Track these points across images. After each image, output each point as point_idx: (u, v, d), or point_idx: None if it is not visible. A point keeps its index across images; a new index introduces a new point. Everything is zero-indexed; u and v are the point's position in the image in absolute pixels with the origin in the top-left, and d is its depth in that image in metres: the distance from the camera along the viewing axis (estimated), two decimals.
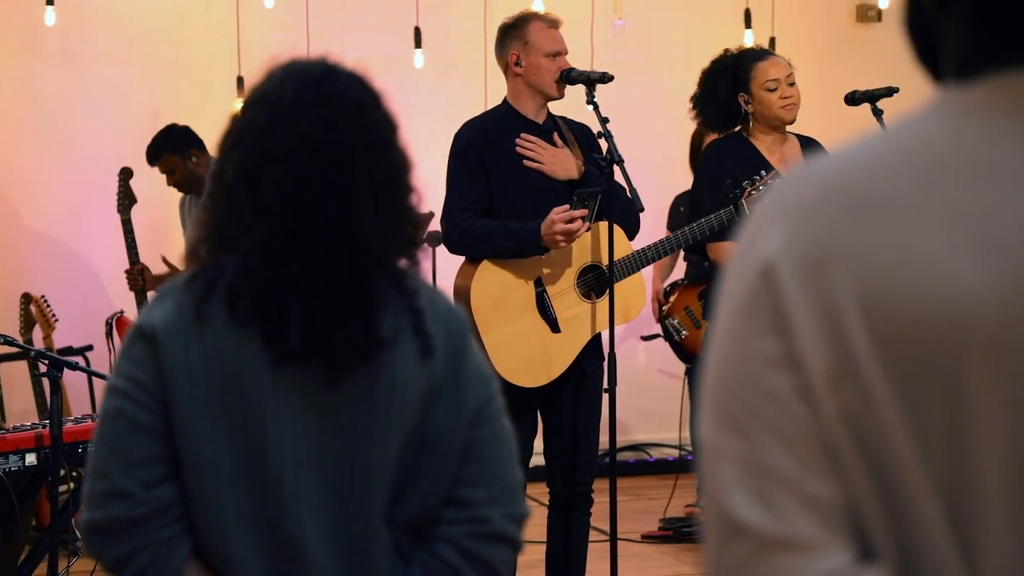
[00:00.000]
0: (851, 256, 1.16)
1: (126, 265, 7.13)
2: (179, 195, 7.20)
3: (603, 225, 4.78)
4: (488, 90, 7.64)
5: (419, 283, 2.24)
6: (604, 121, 4.74)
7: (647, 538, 6.85)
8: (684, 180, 7.61)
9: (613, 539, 4.92)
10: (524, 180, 4.77)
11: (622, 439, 7.25)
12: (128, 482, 2.11)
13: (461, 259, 4.90)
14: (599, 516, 5.05)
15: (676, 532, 6.84)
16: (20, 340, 6.12)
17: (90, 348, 7.15)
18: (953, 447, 1.16)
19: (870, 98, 5.27)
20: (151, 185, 7.17)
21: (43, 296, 7.03)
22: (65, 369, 4.56)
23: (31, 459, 4.51)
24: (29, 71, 7.82)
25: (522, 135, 4.82)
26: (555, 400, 4.83)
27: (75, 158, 7.80)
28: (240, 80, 7.72)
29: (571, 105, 5.01)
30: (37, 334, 7.01)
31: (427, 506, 2.21)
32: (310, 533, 2.15)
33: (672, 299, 7.07)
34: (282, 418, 2.14)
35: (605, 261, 4.78)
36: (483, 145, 4.80)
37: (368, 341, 2.15)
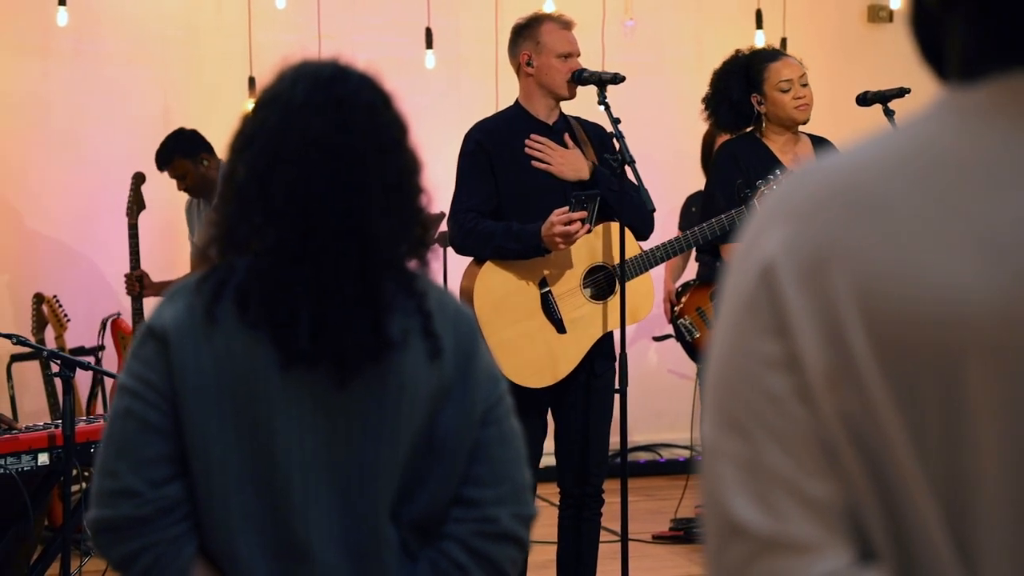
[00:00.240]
0: (850, 256, 1.16)
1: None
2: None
3: (613, 225, 4.78)
4: (499, 91, 7.65)
5: (429, 285, 2.24)
6: (615, 122, 4.74)
7: (658, 538, 6.85)
8: (695, 180, 7.61)
9: (624, 539, 4.92)
10: (532, 181, 4.77)
11: (633, 439, 7.24)
12: (136, 481, 2.13)
13: (469, 259, 4.90)
14: (610, 516, 5.05)
15: (687, 532, 6.84)
16: (32, 340, 6.14)
17: (102, 348, 7.17)
18: (951, 447, 1.16)
19: (882, 99, 5.27)
20: (162, 187, 7.17)
21: (55, 296, 7.05)
22: (77, 369, 4.57)
23: (44, 459, 4.52)
24: (41, 71, 7.83)
25: (531, 136, 4.82)
26: (566, 400, 4.83)
27: (86, 158, 7.81)
28: (252, 80, 7.74)
29: (583, 106, 5.01)
30: (49, 334, 7.02)
31: (435, 506, 2.21)
32: (317, 534, 2.16)
33: (684, 300, 7.05)
34: (291, 419, 2.14)
35: (613, 261, 4.78)
36: (492, 146, 4.80)
37: (377, 343, 2.15)
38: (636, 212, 4.78)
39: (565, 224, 4.59)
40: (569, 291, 4.81)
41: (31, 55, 7.81)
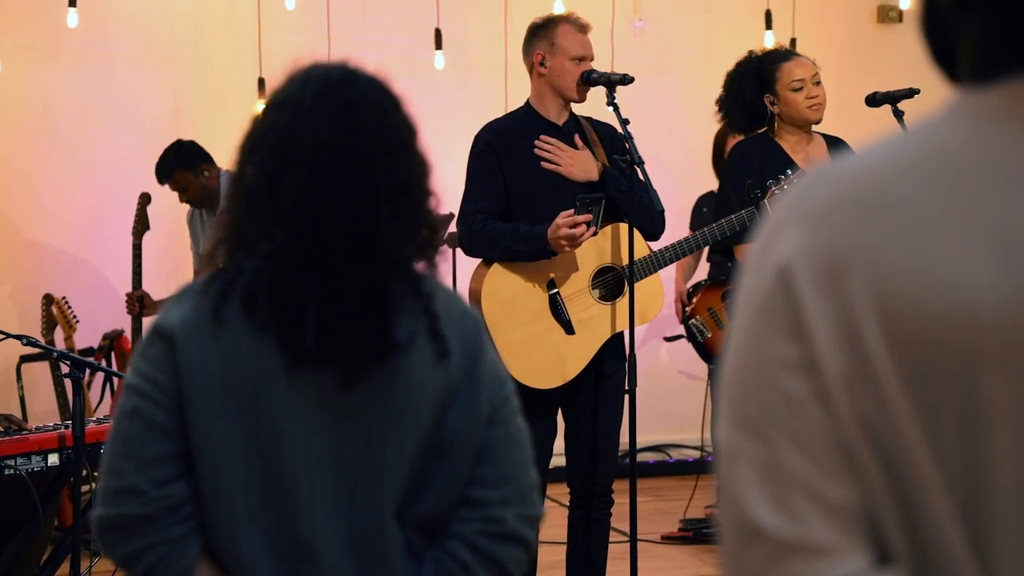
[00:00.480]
0: (866, 259, 1.16)
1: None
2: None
3: (622, 226, 4.78)
4: (508, 92, 7.65)
5: (436, 286, 2.25)
6: (624, 122, 4.74)
7: (667, 539, 6.84)
8: (704, 181, 7.61)
9: (633, 540, 4.92)
10: (541, 182, 4.77)
11: (642, 440, 7.24)
12: (141, 479, 2.13)
13: (478, 260, 4.90)
14: (619, 517, 5.05)
15: (696, 533, 6.84)
16: (42, 341, 6.15)
17: (111, 349, 7.17)
18: (968, 450, 1.16)
19: (891, 99, 5.26)
20: (164, 204, 7.15)
21: (64, 298, 7.06)
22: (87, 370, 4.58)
23: (54, 459, 4.53)
24: (51, 72, 7.85)
25: (541, 137, 4.82)
26: (576, 401, 4.83)
27: (96, 160, 7.83)
28: (261, 81, 7.74)
29: (592, 107, 5.01)
30: (59, 335, 7.04)
31: (441, 506, 2.22)
32: (322, 534, 2.16)
33: (695, 300, 7.05)
34: (297, 420, 2.15)
35: (622, 262, 4.78)
36: (501, 147, 4.80)
37: (383, 344, 2.16)
38: (645, 213, 4.77)
39: (570, 227, 4.59)
40: (578, 292, 4.81)
41: (41, 56, 7.82)
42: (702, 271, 7.41)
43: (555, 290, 4.79)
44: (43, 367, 7.26)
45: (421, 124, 2.28)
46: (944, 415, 1.16)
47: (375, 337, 2.15)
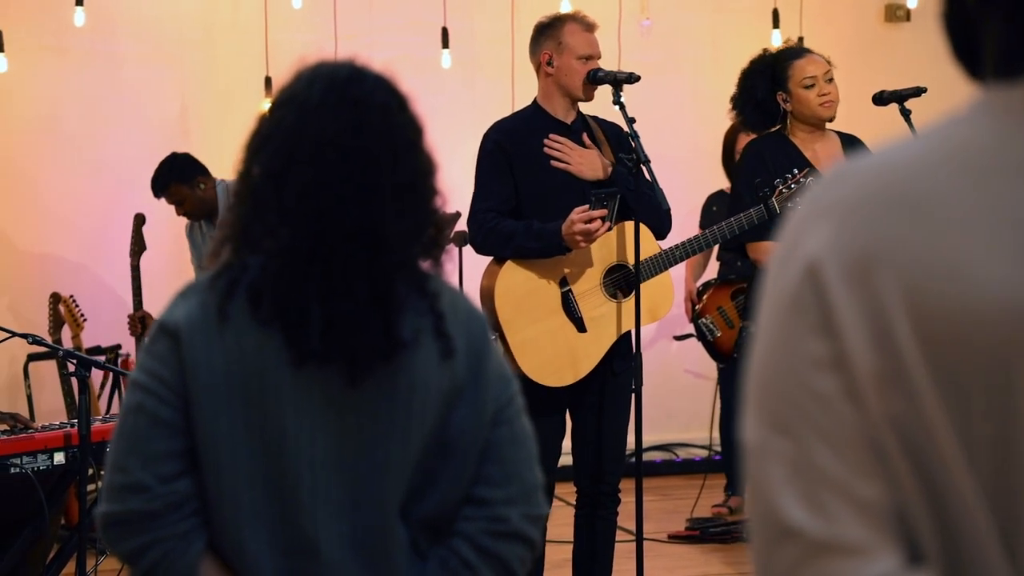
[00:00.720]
0: (896, 257, 1.15)
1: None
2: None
3: (630, 224, 4.77)
4: (515, 91, 7.65)
5: (441, 285, 2.25)
6: (631, 121, 4.73)
7: (674, 538, 6.84)
8: (711, 179, 7.61)
9: (640, 539, 4.91)
10: (551, 180, 4.77)
11: (650, 439, 7.24)
12: (146, 476, 2.14)
13: (485, 259, 4.90)
14: (626, 516, 5.04)
15: (703, 532, 6.83)
16: (49, 340, 6.16)
17: (118, 347, 7.18)
18: (1000, 450, 1.15)
19: (898, 98, 5.25)
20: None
21: (71, 296, 7.07)
22: (93, 368, 4.58)
23: (59, 458, 4.53)
24: (58, 71, 7.86)
25: (550, 135, 4.81)
26: (584, 399, 4.82)
27: (103, 159, 7.83)
28: (268, 81, 7.74)
29: (599, 105, 5.00)
30: (66, 334, 7.04)
31: (446, 505, 2.22)
32: (325, 532, 2.16)
33: (705, 299, 7.06)
34: (301, 417, 2.15)
35: (632, 260, 4.77)
36: (510, 145, 4.79)
37: (388, 342, 2.16)
38: (652, 211, 4.78)
39: (586, 222, 4.58)
40: (589, 290, 4.80)
41: (48, 55, 7.83)
42: (712, 270, 7.41)
43: (567, 287, 4.79)
44: (50, 366, 7.26)
45: (427, 123, 2.27)
46: (976, 413, 1.15)
47: (380, 335, 2.15)
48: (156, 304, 6.83)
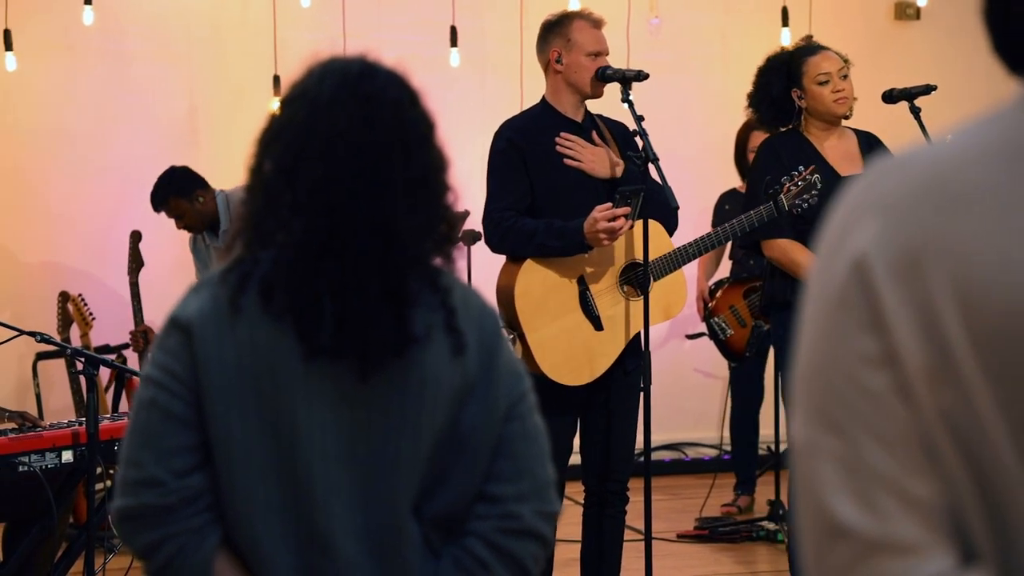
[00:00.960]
0: (945, 252, 1.14)
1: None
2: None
3: (649, 222, 4.76)
4: (524, 89, 7.64)
5: (453, 281, 2.24)
6: (639, 119, 4.73)
7: (682, 537, 6.83)
8: (719, 177, 7.60)
9: (648, 538, 4.91)
10: (564, 179, 4.76)
11: (659, 438, 7.23)
12: (159, 470, 2.13)
13: (494, 257, 4.89)
14: (634, 515, 5.04)
15: (712, 532, 6.82)
16: (58, 338, 6.16)
17: (127, 346, 7.18)
18: None
19: (908, 96, 5.24)
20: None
21: (80, 295, 7.07)
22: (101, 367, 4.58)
23: (68, 456, 4.54)
24: (67, 70, 7.87)
25: (562, 134, 4.81)
26: (595, 398, 4.82)
27: (113, 157, 7.84)
28: (276, 79, 7.75)
29: (607, 103, 4.99)
30: (74, 332, 7.04)
31: (458, 502, 2.21)
32: (338, 526, 2.16)
33: (717, 298, 7.05)
34: (313, 411, 2.15)
35: (648, 258, 4.76)
36: (524, 143, 4.78)
37: (400, 337, 2.16)
38: (661, 210, 4.77)
39: (610, 220, 4.57)
40: (606, 288, 4.80)
41: (57, 54, 7.84)
42: (724, 269, 7.40)
43: (585, 286, 4.78)
44: (59, 364, 7.27)
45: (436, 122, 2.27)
46: None
47: (392, 330, 2.15)
48: (161, 316, 6.87)
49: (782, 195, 4.88)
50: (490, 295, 2.37)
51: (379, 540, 2.18)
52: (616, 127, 4.97)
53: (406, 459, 2.17)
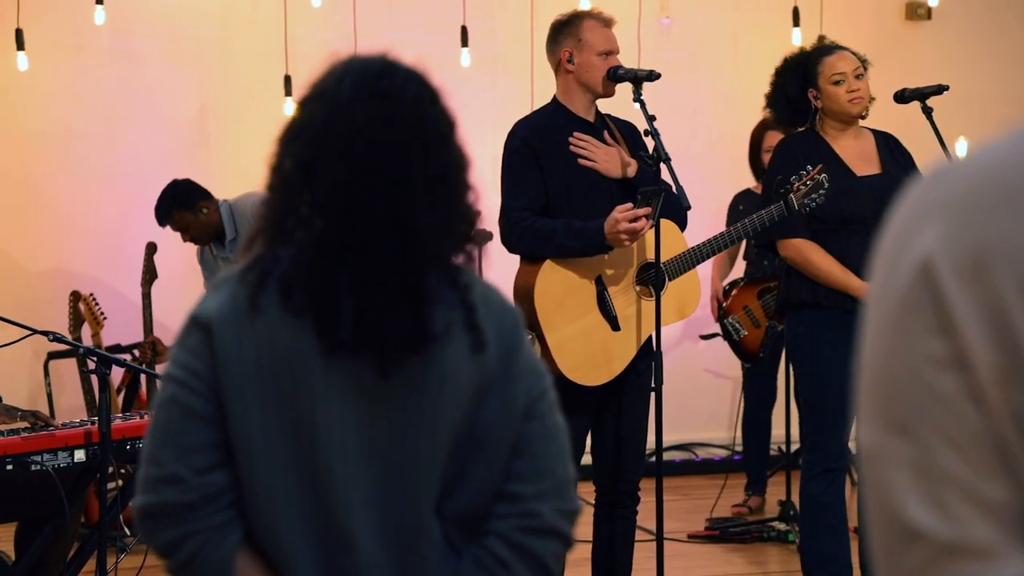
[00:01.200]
0: (1010, 250, 1.13)
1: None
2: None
3: (664, 222, 4.75)
4: (535, 89, 7.64)
5: (473, 278, 2.25)
6: (651, 119, 4.72)
7: (693, 538, 6.83)
8: (728, 177, 7.60)
9: (660, 538, 4.90)
10: (578, 178, 4.76)
11: (669, 438, 7.23)
12: (180, 468, 2.14)
13: (505, 256, 4.89)
14: (645, 515, 5.04)
15: (723, 532, 6.82)
16: (69, 337, 6.17)
17: (137, 345, 7.19)
18: None
19: (920, 96, 5.23)
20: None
21: (92, 294, 7.08)
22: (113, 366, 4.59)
23: (80, 455, 4.54)
24: (78, 69, 7.88)
25: (575, 133, 4.80)
26: (607, 398, 4.81)
27: (124, 156, 7.85)
28: (287, 79, 7.75)
29: (618, 103, 4.99)
30: (86, 331, 7.05)
31: (478, 501, 2.21)
32: (359, 522, 2.16)
33: (731, 298, 7.05)
34: (332, 407, 2.15)
35: (662, 258, 4.76)
36: (537, 143, 4.78)
37: (419, 334, 2.16)
38: (673, 210, 4.77)
39: (631, 221, 4.57)
40: (623, 288, 4.80)
41: (68, 53, 7.85)
42: (738, 270, 7.40)
43: (603, 286, 4.78)
44: (70, 363, 7.28)
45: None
46: None
47: (411, 327, 2.15)
48: (169, 329, 6.88)
49: (792, 194, 4.88)
50: (505, 294, 2.36)
51: (398, 536, 2.18)
52: (625, 127, 4.97)
53: (425, 456, 2.17)
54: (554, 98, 4.93)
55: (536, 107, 5.19)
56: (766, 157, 6.70)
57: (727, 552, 6.65)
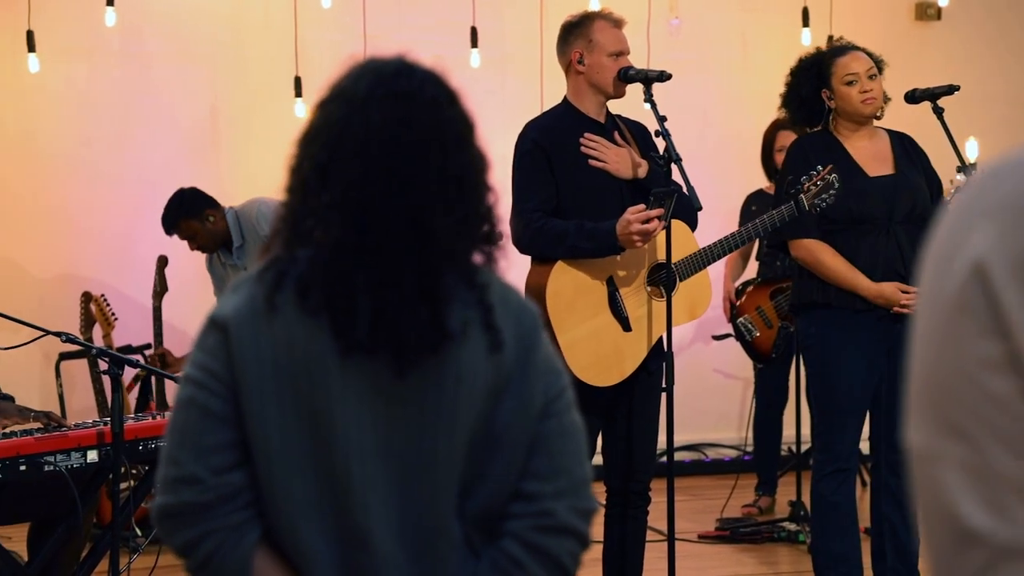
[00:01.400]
0: None
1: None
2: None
3: (674, 223, 4.76)
4: (544, 90, 7.64)
5: (491, 277, 2.25)
6: (662, 120, 4.72)
7: (704, 538, 6.83)
8: (739, 178, 7.60)
9: (671, 539, 4.91)
10: (589, 180, 4.76)
11: (680, 439, 7.23)
12: (198, 468, 2.15)
13: (515, 257, 4.88)
14: (656, 516, 5.04)
15: (733, 532, 6.82)
16: (81, 338, 6.19)
17: (149, 346, 7.21)
18: None
19: (930, 96, 5.24)
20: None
21: (103, 295, 7.09)
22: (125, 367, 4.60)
23: (92, 456, 4.55)
24: (89, 71, 7.89)
25: (586, 134, 4.81)
26: (618, 399, 4.82)
27: (134, 157, 7.87)
28: (298, 80, 7.77)
29: (629, 104, 5.00)
30: (97, 332, 7.07)
31: (495, 500, 2.21)
32: (377, 521, 2.16)
33: (743, 299, 7.05)
34: (349, 407, 2.16)
35: (673, 259, 4.77)
36: (548, 144, 4.78)
37: (436, 334, 2.16)
38: (684, 211, 4.77)
39: (643, 222, 4.57)
40: (634, 289, 4.80)
41: (79, 55, 7.87)
42: (751, 270, 7.40)
43: (614, 287, 4.78)
44: (82, 364, 7.30)
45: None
46: None
47: (427, 327, 2.16)
48: (181, 340, 6.90)
49: (802, 195, 4.89)
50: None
51: (416, 536, 2.18)
52: (635, 127, 4.97)
53: (443, 456, 2.18)
54: (564, 99, 4.94)
55: (546, 108, 5.19)
56: (779, 157, 6.70)
57: (738, 552, 6.65)
